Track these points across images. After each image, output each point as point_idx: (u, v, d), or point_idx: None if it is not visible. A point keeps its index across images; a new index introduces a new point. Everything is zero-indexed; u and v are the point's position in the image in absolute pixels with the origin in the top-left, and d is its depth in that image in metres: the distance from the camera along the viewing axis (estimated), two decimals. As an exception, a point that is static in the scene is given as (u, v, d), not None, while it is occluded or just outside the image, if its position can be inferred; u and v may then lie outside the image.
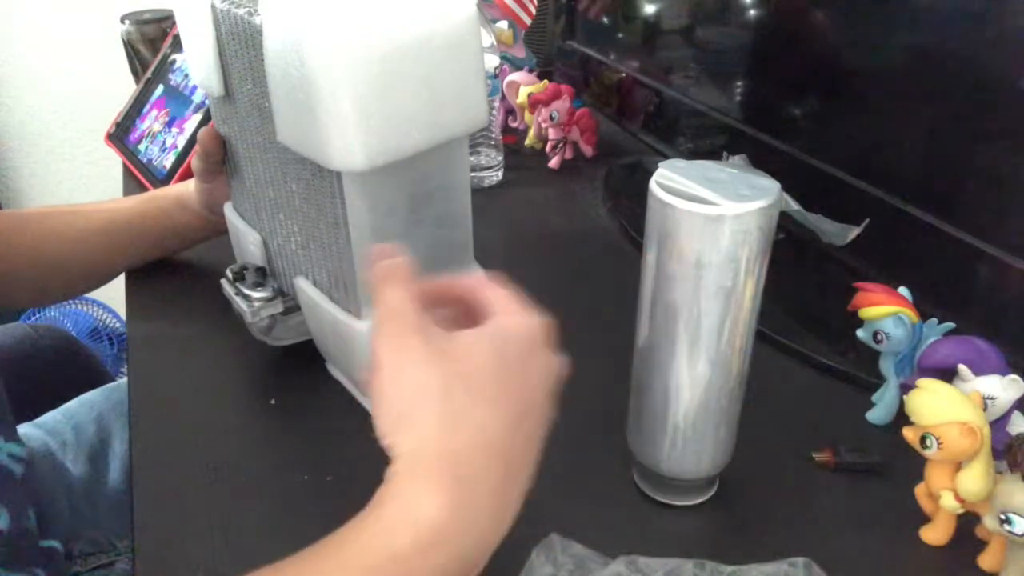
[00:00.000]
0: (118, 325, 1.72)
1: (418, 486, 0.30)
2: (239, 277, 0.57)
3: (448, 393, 0.31)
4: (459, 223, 0.51)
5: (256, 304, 0.55)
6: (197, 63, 0.55)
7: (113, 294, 1.69)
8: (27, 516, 0.58)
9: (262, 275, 0.57)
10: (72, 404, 0.79)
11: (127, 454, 0.66)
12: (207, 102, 0.83)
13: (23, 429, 0.75)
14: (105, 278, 0.72)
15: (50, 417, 0.77)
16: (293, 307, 0.57)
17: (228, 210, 0.64)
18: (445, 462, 0.31)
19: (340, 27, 0.40)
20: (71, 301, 1.72)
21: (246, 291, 0.56)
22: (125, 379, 0.63)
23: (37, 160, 1.68)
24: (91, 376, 0.93)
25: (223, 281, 0.58)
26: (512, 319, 0.35)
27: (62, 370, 0.91)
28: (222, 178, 0.64)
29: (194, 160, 0.64)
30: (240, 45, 0.49)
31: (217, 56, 0.52)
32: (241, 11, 0.47)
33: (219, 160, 0.62)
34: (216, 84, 0.54)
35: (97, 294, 1.74)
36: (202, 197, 0.66)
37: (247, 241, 0.61)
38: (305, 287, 0.54)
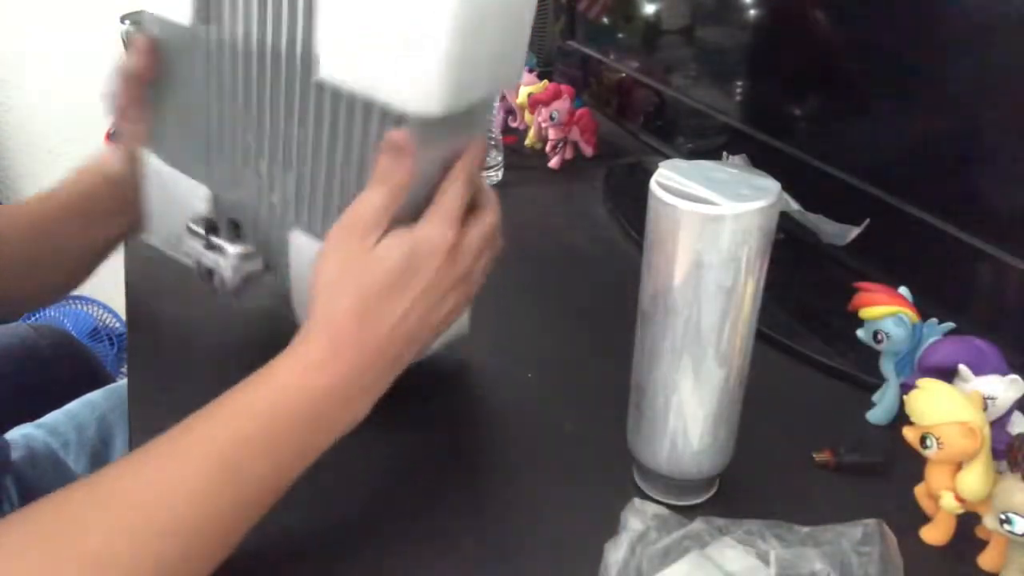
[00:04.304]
0: (118, 325, 1.73)
1: (329, 352, 0.39)
2: (211, 229, 0.51)
3: (363, 286, 0.40)
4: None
5: (234, 259, 0.50)
6: None
7: (113, 294, 1.69)
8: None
9: (235, 228, 0.52)
10: (74, 404, 0.79)
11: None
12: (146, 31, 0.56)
13: (25, 429, 0.75)
14: (56, 289, 0.66)
15: (52, 417, 0.77)
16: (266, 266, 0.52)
17: (150, 161, 0.55)
18: (353, 338, 0.40)
19: None
20: (71, 301, 1.72)
21: (222, 244, 0.50)
22: (126, 380, 0.63)
23: (37, 160, 1.68)
24: (92, 376, 0.93)
25: (186, 236, 0.52)
26: (433, 229, 0.42)
27: (62, 370, 0.91)
28: (142, 116, 0.54)
29: (119, 90, 0.53)
30: None
31: None
32: None
33: (151, 79, 0.52)
34: (185, 5, 0.48)
35: (97, 294, 1.74)
36: (133, 144, 0.55)
37: (189, 195, 0.53)
38: (305, 242, 0.49)
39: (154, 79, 0.52)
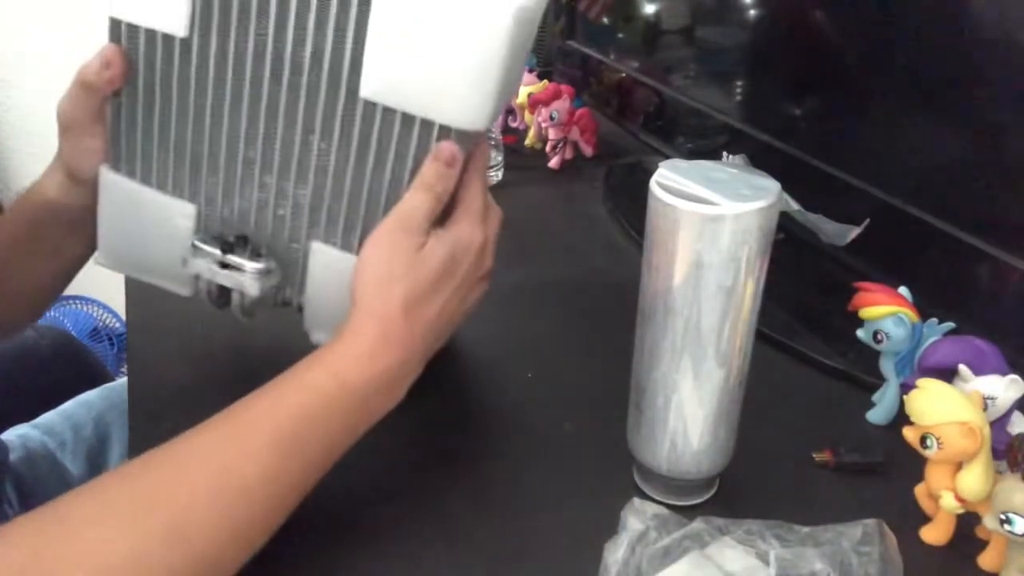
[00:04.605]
0: (118, 325, 1.73)
1: (380, 343, 0.43)
2: (229, 248, 0.49)
3: (412, 283, 0.44)
4: None
5: (256, 276, 0.49)
6: None
7: (113, 294, 1.69)
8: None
9: (245, 243, 0.50)
10: (70, 404, 0.79)
11: (126, 454, 0.66)
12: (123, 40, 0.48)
13: (21, 429, 0.75)
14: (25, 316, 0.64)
15: (48, 418, 0.77)
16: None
17: (115, 179, 0.51)
18: (402, 330, 0.43)
19: None
20: (71, 301, 1.72)
21: (243, 262, 0.49)
22: (124, 379, 0.63)
23: (38, 160, 1.67)
24: (91, 376, 0.93)
25: (193, 258, 0.50)
26: (466, 230, 0.46)
27: (62, 370, 0.91)
28: (101, 131, 0.50)
29: (78, 103, 0.48)
30: None
31: None
32: None
33: (114, 94, 0.48)
34: (181, 17, 0.45)
35: (97, 294, 1.74)
36: (87, 161, 0.50)
37: (167, 213, 0.51)
38: (329, 252, 0.49)
39: (120, 92, 0.48)
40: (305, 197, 0.48)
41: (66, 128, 0.50)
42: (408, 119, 0.44)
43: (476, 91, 0.43)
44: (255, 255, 0.50)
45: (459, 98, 0.43)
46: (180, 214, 0.51)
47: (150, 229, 0.52)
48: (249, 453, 0.39)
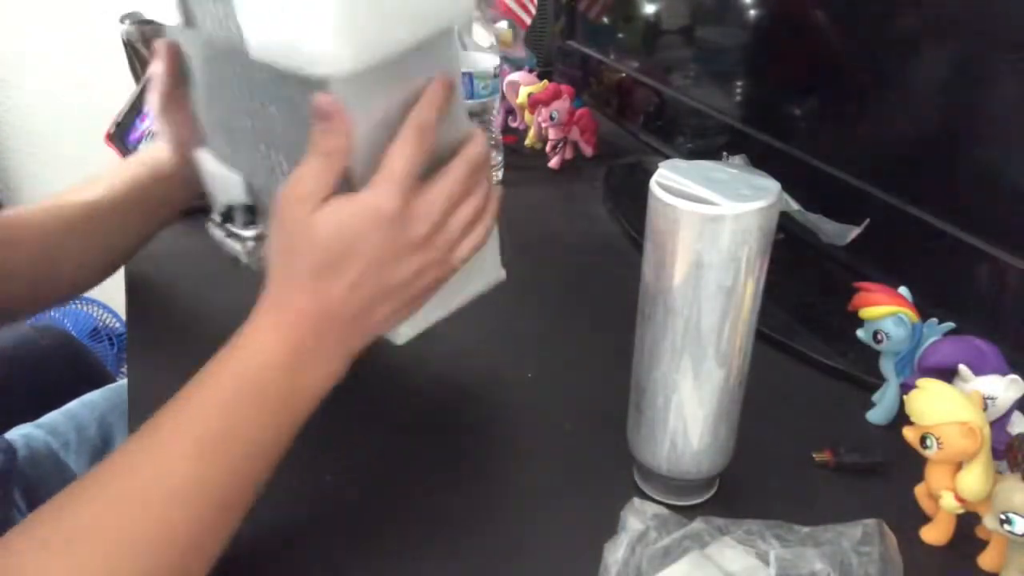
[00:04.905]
0: (118, 325, 1.72)
1: (292, 316, 0.41)
2: (227, 218, 0.53)
3: (303, 255, 0.41)
4: (457, 123, 0.46)
5: (250, 243, 0.52)
6: None
7: (113, 294, 1.69)
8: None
9: (250, 212, 0.53)
10: (73, 405, 0.79)
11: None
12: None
13: (25, 429, 0.75)
14: (100, 273, 0.67)
15: (52, 418, 0.77)
16: None
17: (201, 156, 0.57)
18: (304, 306, 0.41)
19: None
20: (71, 301, 1.72)
21: (237, 230, 0.52)
22: (126, 380, 0.63)
23: (37, 160, 1.68)
24: (92, 376, 0.93)
25: (209, 225, 0.54)
26: (372, 197, 0.40)
27: (62, 370, 0.91)
28: (189, 112, 0.57)
29: (154, 90, 0.56)
30: None
31: None
32: None
33: (181, 79, 0.55)
34: (172, 6, 0.49)
35: (97, 294, 1.74)
36: (176, 141, 0.59)
37: (227, 185, 0.55)
38: None
39: (185, 81, 0.55)
40: (287, 164, 0.48)
41: (159, 119, 0.58)
42: (291, 76, 0.41)
43: (322, 30, 0.38)
44: (252, 222, 0.52)
45: (311, 42, 0.38)
46: (235, 185, 0.54)
47: (225, 199, 0.57)
48: (174, 458, 0.38)
